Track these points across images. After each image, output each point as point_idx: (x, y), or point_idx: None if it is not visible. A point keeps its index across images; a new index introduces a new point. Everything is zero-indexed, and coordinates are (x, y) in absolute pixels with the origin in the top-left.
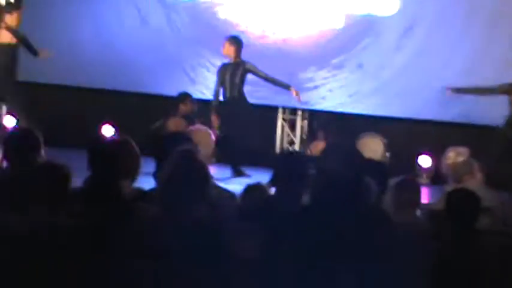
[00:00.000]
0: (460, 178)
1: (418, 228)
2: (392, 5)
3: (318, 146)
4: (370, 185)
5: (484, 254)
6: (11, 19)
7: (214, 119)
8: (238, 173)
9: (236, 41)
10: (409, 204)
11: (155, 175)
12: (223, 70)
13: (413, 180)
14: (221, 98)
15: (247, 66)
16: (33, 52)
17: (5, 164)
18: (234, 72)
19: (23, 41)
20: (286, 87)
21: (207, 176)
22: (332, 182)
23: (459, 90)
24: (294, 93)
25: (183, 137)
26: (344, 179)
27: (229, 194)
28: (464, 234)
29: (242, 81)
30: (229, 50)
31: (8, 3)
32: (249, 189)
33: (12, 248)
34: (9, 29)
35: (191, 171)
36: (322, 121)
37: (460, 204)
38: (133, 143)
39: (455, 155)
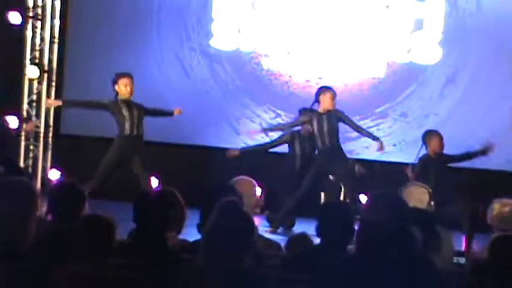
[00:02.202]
0: (506, 228)
1: (463, 277)
2: (435, 54)
3: None
4: (414, 234)
5: None
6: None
7: None
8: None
9: None
10: None
11: (199, 226)
12: None
13: None
14: None
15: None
16: (168, 114)
17: (50, 217)
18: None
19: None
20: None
21: (251, 227)
22: (377, 232)
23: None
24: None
25: (227, 188)
26: (389, 229)
27: (275, 244)
28: (506, 283)
29: None
30: None
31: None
32: (294, 240)
33: None
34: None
35: (235, 222)
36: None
37: (505, 252)
38: (179, 195)
39: (500, 206)
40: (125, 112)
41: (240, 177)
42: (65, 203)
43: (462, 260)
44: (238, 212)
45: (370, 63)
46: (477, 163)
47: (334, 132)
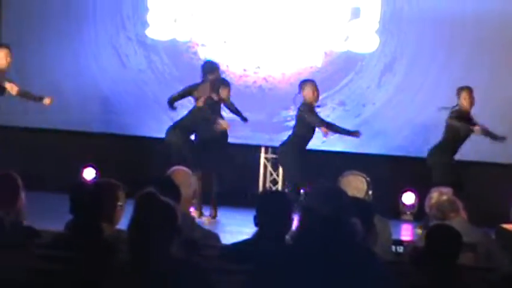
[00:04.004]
0: (444, 216)
1: (402, 266)
2: (372, 42)
3: None
4: (356, 226)
5: None
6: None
7: None
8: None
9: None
10: None
11: None
12: None
13: None
14: None
15: None
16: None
17: None
18: None
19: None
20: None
21: (172, 215)
22: (318, 223)
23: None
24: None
25: (163, 179)
26: (331, 220)
27: (213, 235)
28: (445, 270)
29: None
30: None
31: None
32: None
33: None
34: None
35: (153, 212)
36: None
37: (440, 240)
38: (115, 185)
39: (438, 195)
40: None
41: (177, 167)
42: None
43: (400, 249)
44: (157, 201)
45: (307, 52)
46: (414, 152)
47: None
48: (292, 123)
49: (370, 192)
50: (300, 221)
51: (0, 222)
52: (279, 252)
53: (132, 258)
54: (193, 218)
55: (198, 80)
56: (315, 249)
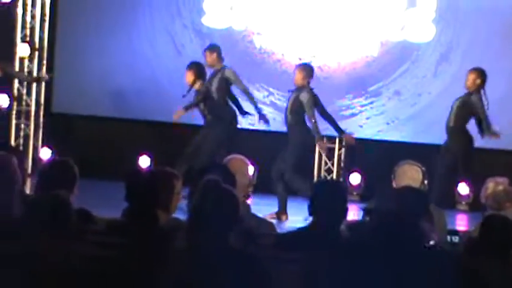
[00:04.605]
0: (500, 207)
1: (456, 255)
2: (428, 32)
3: None
4: (426, 231)
5: None
6: None
7: None
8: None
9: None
10: None
11: (188, 205)
12: None
13: None
14: None
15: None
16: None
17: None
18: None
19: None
20: None
21: (235, 205)
22: (383, 220)
23: None
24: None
25: (219, 167)
26: (396, 218)
27: (268, 224)
28: (500, 260)
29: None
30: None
31: None
32: None
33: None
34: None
35: (218, 201)
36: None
37: (495, 230)
38: (172, 174)
39: (494, 185)
40: None
41: (233, 155)
42: (56, 181)
43: (455, 239)
44: (221, 190)
45: (363, 41)
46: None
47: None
48: (348, 112)
49: (426, 182)
50: (366, 217)
51: (67, 204)
52: (334, 242)
53: (189, 246)
54: (248, 207)
55: (252, 67)
56: (376, 244)
